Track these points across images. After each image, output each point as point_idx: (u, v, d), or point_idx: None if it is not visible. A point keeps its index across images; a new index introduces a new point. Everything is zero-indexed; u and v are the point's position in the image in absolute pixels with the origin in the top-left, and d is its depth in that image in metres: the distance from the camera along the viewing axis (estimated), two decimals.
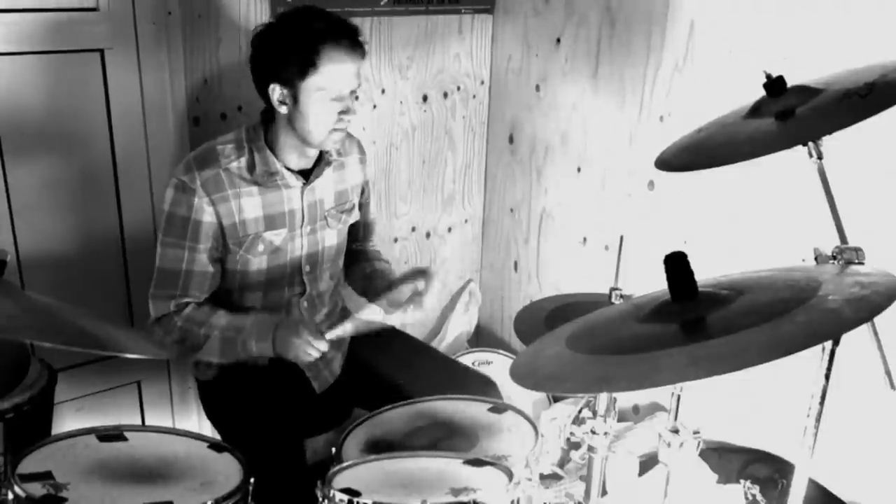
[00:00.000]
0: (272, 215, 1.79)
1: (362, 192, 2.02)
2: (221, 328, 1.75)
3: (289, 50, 1.66)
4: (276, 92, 1.70)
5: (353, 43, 1.68)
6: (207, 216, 1.72)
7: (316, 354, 1.70)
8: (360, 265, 2.07)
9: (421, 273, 1.86)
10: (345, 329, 1.75)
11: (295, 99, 1.69)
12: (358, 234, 2.08)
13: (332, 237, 1.92)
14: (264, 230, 1.79)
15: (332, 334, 1.73)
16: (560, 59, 2.47)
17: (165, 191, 1.75)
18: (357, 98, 1.74)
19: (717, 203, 2.07)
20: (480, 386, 1.93)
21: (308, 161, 1.82)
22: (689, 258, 1.02)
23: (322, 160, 1.84)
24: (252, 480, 1.41)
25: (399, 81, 2.54)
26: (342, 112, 1.70)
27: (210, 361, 1.81)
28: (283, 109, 1.71)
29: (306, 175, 1.82)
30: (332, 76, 1.66)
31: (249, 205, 1.76)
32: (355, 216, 1.99)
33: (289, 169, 1.79)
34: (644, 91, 2.22)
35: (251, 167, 1.76)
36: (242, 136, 1.78)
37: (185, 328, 1.75)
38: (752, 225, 1.99)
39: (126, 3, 1.95)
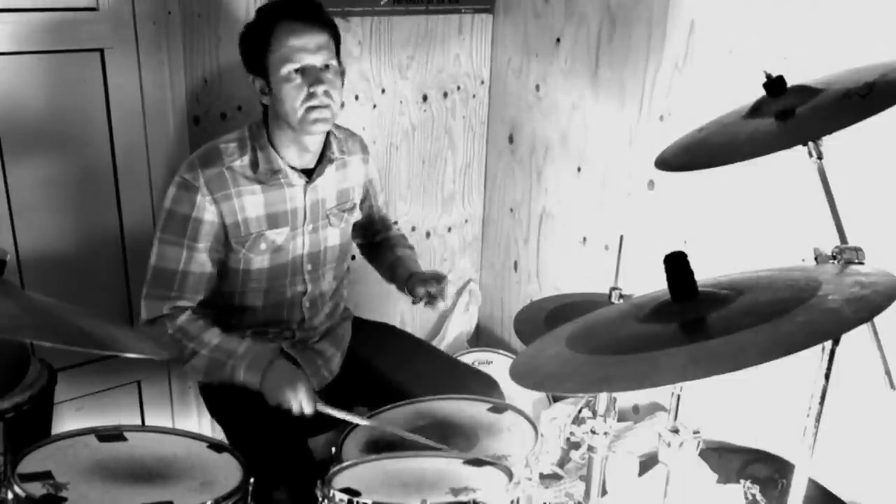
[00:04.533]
0: (274, 214, 1.79)
1: (367, 191, 2.02)
2: (211, 348, 1.74)
3: (251, 37, 1.73)
4: (256, 83, 1.74)
5: (309, 14, 1.69)
6: (209, 215, 1.72)
7: (298, 411, 1.68)
8: (384, 254, 2.10)
9: (436, 278, 1.90)
10: (341, 414, 1.68)
11: (269, 85, 1.71)
12: (376, 228, 2.11)
13: (335, 237, 1.92)
14: (266, 229, 1.79)
15: (325, 409, 1.69)
16: (560, 59, 2.47)
17: (168, 189, 1.75)
18: (331, 72, 1.71)
19: (717, 203, 2.07)
20: (482, 384, 1.93)
21: (311, 159, 1.82)
22: (689, 258, 1.02)
23: (324, 158, 1.83)
24: (252, 480, 1.41)
25: (399, 81, 2.54)
26: (312, 85, 1.67)
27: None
28: (266, 100, 1.74)
29: (309, 174, 1.82)
30: (289, 48, 1.66)
31: (252, 203, 1.76)
32: (357, 215, 2.00)
33: (292, 167, 1.79)
34: (644, 91, 2.22)
35: (254, 165, 1.76)
36: (246, 135, 1.79)
37: (176, 338, 1.73)
38: (752, 225, 1.99)
39: (126, 2, 1.95)
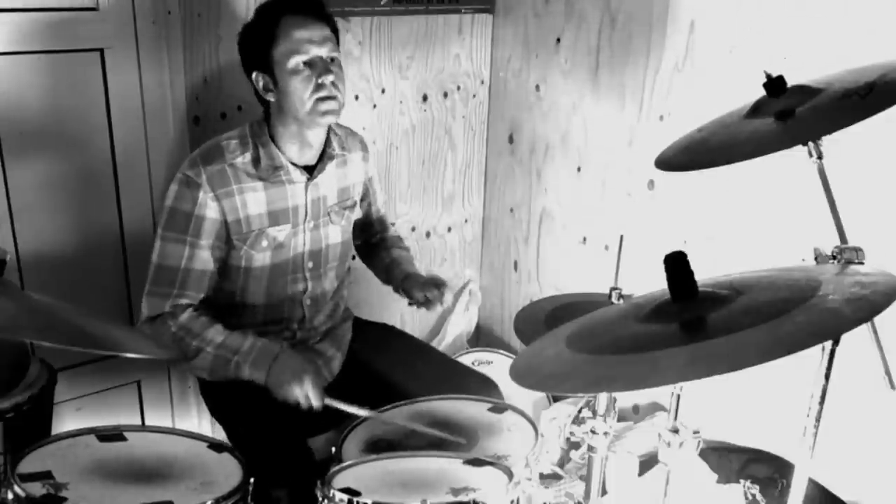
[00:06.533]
0: (276, 211, 1.79)
1: (366, 189, 2.03)
2: (216, 345, 1.72)
3: (254, 34, 1.74)
4: (259, 81, 1.74)
5: (311, 8, 1.72)
6: (211, 212, 1.72)
7: (306, 405, 1.66)
8: (379, 255, 2.11)
9: (435, 284, 1.91)
10: (348, 408, 1.66)
11: (274, 80, 1.71)
12: (374, 229, 2.13)
13: (337, 234, 1.93)
14: (268, 226, 1.79)
15: (333, 403, 1.67)
16: (560, 59, 2.47)
17: (170, 187, 1.75)
18: (336, 64, 1.73)
19: (717, 203, 2.07)
20: (480, 386, 1.93)
21: (312, 156, 1.83)
22: (689, 258, 1.02)
23: (325, 155, 1.84)
24: (252, 480, 1.40)
25: (399, 81, 2.54)
26: (320, 75, 1.68)
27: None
28: (271, 97, 1.74)
29: (310, 171, 1.83)
30: (297, 40, 1.68)
31: (254, 200, 1.76)
32: (357, 213, 2.00)
33: (293, 164, 1.79)
34: (644, 91, 2.22)
35: (256, 162, 1.76)
36: (247, 132, 1.79)
37: (179, 336, 1.72)
38: (752, 225, 1.99)
39: (126, 2, 1.95)
